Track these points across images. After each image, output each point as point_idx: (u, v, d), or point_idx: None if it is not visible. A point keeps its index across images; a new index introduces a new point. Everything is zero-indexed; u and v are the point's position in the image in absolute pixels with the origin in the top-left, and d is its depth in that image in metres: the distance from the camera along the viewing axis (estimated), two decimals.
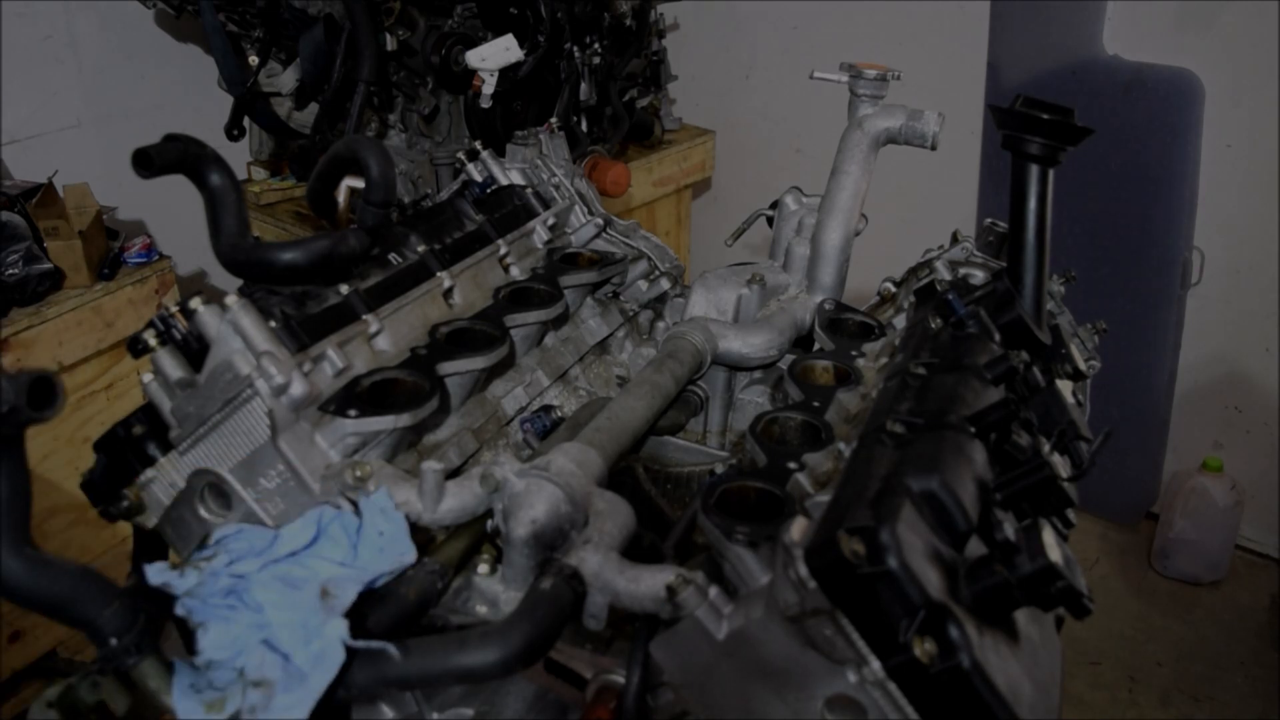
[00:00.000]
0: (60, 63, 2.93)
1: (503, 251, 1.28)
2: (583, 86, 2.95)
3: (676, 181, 3.58)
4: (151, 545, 0.92)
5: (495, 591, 0.88)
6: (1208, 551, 3.29)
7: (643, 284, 1.45)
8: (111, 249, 2.53)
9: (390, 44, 2.61)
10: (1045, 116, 1.09)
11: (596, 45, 2.96)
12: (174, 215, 3.20)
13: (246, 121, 2.85)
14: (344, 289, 1.02)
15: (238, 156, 3.12)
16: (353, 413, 0.90)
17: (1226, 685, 2.90)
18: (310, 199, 1.26)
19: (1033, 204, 1.12)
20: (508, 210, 1.34)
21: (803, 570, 0.65)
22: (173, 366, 0.89)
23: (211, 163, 1.01)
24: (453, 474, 0.90)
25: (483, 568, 0.89)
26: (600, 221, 1.46)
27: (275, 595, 0.77)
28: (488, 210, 1.31)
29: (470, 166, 1.46)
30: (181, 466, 0.90)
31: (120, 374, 2.47)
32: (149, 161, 1.04)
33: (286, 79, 2.75)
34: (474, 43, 2.71)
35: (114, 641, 0.72)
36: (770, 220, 1.53)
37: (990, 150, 3.29)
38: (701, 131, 3.70)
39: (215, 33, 2.64)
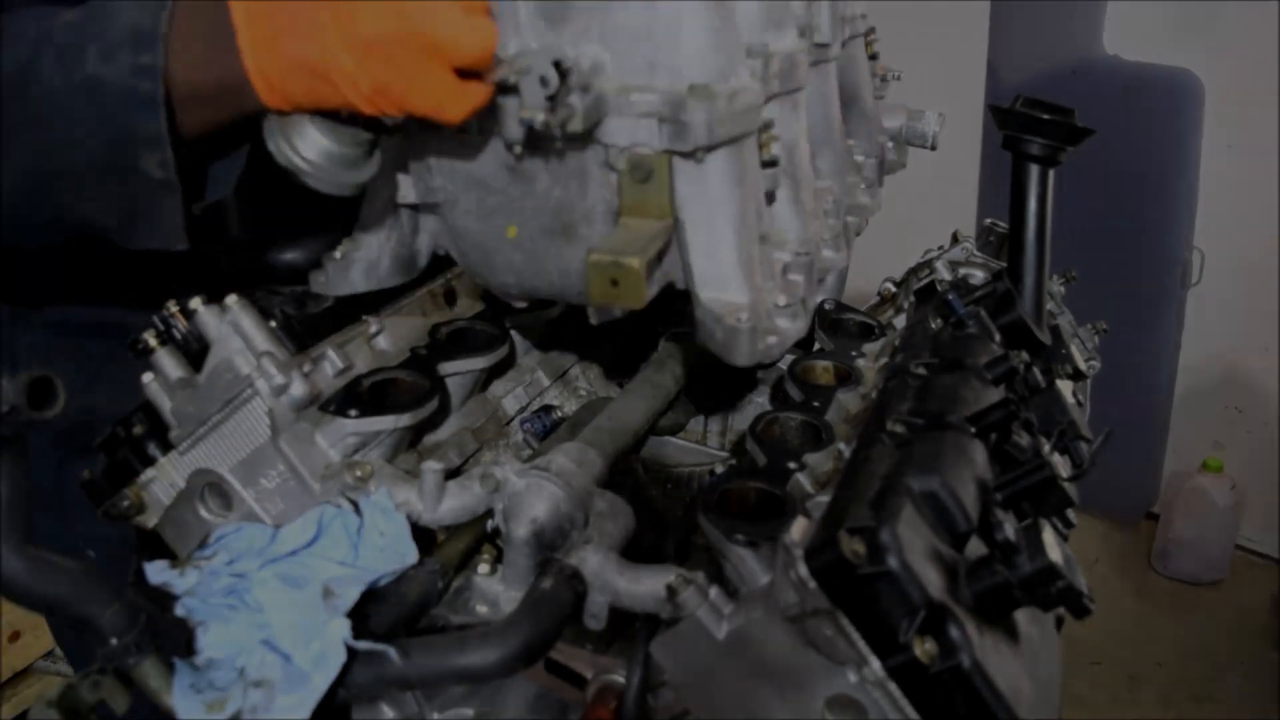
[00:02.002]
0: None
1: None
2: None
3: None
4: (152, 545, 0.92)
5: (495, 591, 0.88)
6: (1208, 551, 3.30)
7: None
8: None
9: None
10: (1045, 117, 1.09)
11: None
12: None
13: None
14: None
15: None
16: (353, 413, 0.90)
17: (1226, 685, 2.90)
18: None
19: (1033, 204, 1.12)
20: None
21: (803, 570, 0.65)
22: (173, 366, 0.89)
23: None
24: (453, 474, 0.90)
25: (483, 568, 0.89)
26: None
27: (276, 595, 0.78)
28: None
29: None
30: (182, 466, 0.90)
31: None
32: None
33: None
34: None
35: (115, 641, 0.72)
36: None
37: (990, 150, 3.29)
38: None
39: None
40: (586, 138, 0.75)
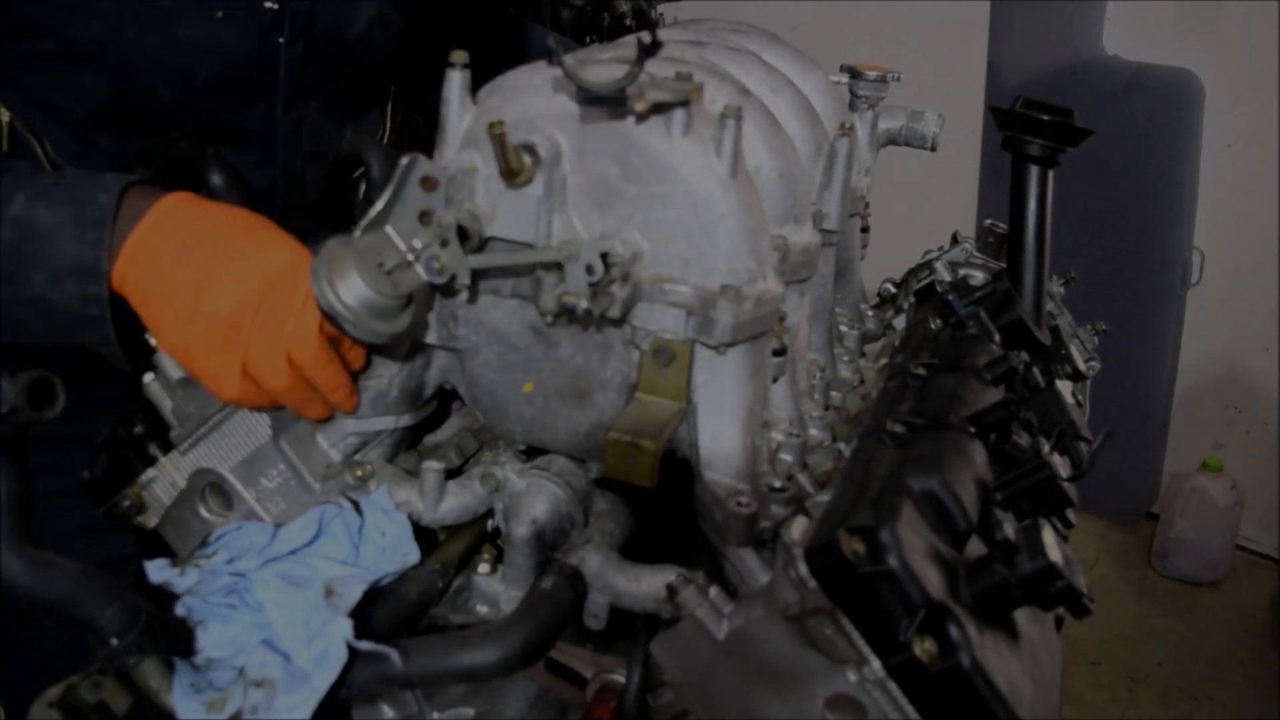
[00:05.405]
0: None
1: None
2: None
3: None
4: (152, 545, 0.92)
5: (496, 591, 0.88)
6: (1208, 551, 3.30)
7: None
8: None
9: None
10: (1045, 118, 1.09)
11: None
12: None
13: None
14: None
15: None
16: None
17: (1226, 685, 2.91)
18: (320, 200, 1.26)
19: (1033, 205, 1.12)
20: None
21: (803, 569, 0.65)
22: (174, 366, 0.89)
23: (213, 163, 1.01)
24: (453, 474, 0.90)
25: (483, 567, 0.89)
26: None
27: (276, 594, 0.78)
28: None
29: None
30: (183, 466, 0.90)
31: None
32: (151, 162, 1.05)
33: None
34: None
35: (115, 641, 0.73)
36: None
37: (990, 150, 3.29)
38: None
39: None
40: (617, 320, 0.78)
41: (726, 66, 0.96)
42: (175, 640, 0.75)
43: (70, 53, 1.08)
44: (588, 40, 2.95)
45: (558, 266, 0.74)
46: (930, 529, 0.71)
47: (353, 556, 0.82)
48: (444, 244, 0.75)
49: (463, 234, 0.76)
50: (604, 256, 0.73)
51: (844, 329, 1.18)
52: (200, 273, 0.83)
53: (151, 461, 0.91)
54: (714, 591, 0.76)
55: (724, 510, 0.78)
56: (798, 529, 0.70)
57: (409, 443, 0.97)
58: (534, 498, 0.87)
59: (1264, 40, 2.96)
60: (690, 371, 0.78)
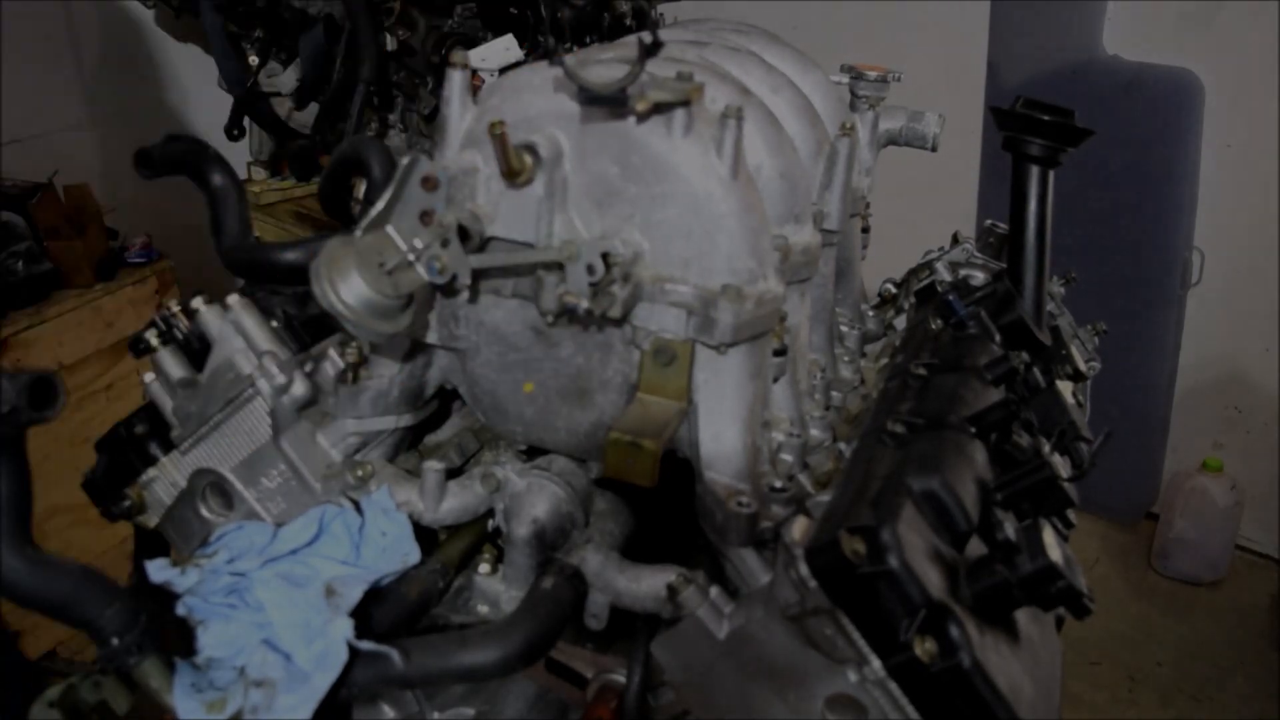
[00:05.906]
0: (60, 63, 2.93)
1: None
2: None
3: None
4: (153, 545, 0.92)
5: (496, 591, 0.88)
6: (1208, 551, 3.30)
7: None
8: (111, 249, 2.53)
9: (390, 44, 2.61)
10: (1046, 118, 1.09)
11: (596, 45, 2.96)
12: (174, 215, 3.20)
13: (246, 121, 2.85)
14: None
15: (238, 156, 3.12)
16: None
17: (1226, 685, 2.90)
18: (322, 201, 1.26)
19: (1033, 205, 1.12)
20: None
21: (804, 569, 0.65)
22: (174, 366, 0.89)
23: (213, 163, 1.01)
24: (454, 474, 0.90)
25: (484, 567, 0.89)
26: None
27: (277, 594, 0.77)
28: None
29: None
30: (183, 466, 0.90)
31: (120, 374, 2.47)
32: (150, 161, 1.05)
33: (286, 79, 2.74)
34: (474, 43, 2.71)
35: (115, 641, 0.73)
36: None
37: (990, 150, 3.29)
38: None
39: (215, 33, 2.64)
40: (618, 320, 0.78)
41: (727, 66, 0.96)
42: (175, 640, 0.75)
43: None
44: (588, 40, 2.95)
45: (559, 266, 0.74)
46: (931, 529, 0.71)
47: (353, 556, 0.82)
48: (445, 244, 0.75)
49: (464, 234, 0.76)
50: (605, 256, 0.73)
51: (845, 329, 1.18)
52: None
53: (152, 461, 0.91)
54: (714, 591, 0.76)
55: (725, 510, 0.78)
56: (798, 529, 0.70)
57: (409, 443, 0.97)
58: (534, 498, 0.87)
59: (1264, 40, 2.95)
60: (691, 371, 0.78)
